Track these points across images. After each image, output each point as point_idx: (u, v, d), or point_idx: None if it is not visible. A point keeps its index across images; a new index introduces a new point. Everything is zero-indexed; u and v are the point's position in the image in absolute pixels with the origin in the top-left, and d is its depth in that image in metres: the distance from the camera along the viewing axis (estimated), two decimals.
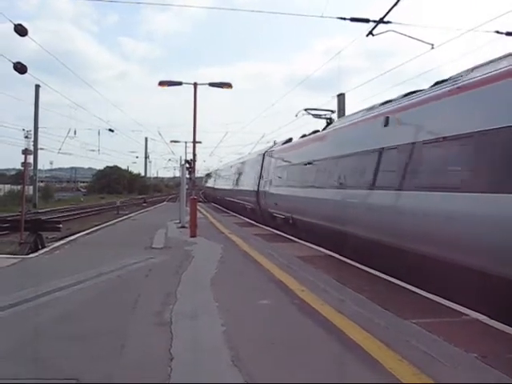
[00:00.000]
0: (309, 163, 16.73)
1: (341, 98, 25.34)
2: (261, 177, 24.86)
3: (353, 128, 13.70)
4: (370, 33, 12.47)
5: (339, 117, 22.02)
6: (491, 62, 8.31)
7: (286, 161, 20.87)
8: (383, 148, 10.60)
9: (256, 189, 25.23)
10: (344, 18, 12.41)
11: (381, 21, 12.00)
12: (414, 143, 9.32)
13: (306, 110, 20.26)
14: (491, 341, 5.40)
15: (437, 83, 9.86)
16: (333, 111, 19.71)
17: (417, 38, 12.89)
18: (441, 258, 8.03)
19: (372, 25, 12.25)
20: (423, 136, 9.06)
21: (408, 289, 8.03)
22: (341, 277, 8.74)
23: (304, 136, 19.86)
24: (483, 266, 7.00)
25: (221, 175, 47.28)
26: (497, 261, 6.78)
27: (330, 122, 18.84)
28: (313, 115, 20.01)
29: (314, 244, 14.00)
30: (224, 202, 40.16)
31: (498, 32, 11.82)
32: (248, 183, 28.12)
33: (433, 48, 12.85)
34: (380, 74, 78.36)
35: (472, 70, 8.75)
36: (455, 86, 8.55)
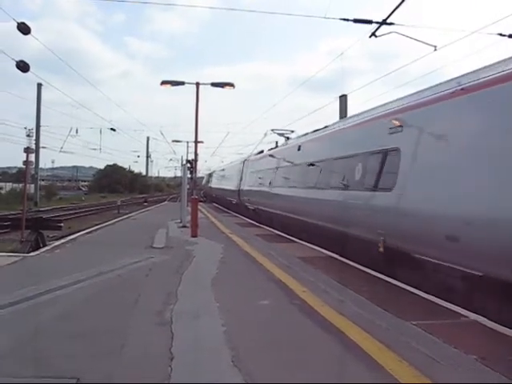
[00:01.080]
0: (263, 170, 25.08)
1: (343, 99, 25.31)
2: (241, 179, 32.34)
3: (283, 150, 22.79)
4: (373, 34, 12.46)
5: (341, 118, 22.13)
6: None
7: (253, 167, 28.96)
8: (297, 163, 18.38)
9: (238, 188, 32.68)
10: (347, 19, 12.40)
11: (384, 22, 12.00)
12: (307, 163, 16.57)
13: (272, 130, 27.81)
14: (490, 342, 5.40)
15: (314, 130, 18.17)
16: (292, 131, 26.01)
17: (420, 40, 12.88)
18: (325, 227, 13.53)
19: (375, 26, 12.25)
20: (309, 159, 16.32)
21: (407, 290, 8.04)
22: (341, 278, 8.75)
23: (271, 149, 27.23)
24: (359, 234, 11.01)
25: (216, 176, 54.64)
26: (369, 231, 10.50)
27: (287, 138, 25.44)
28: (277, 134, 27.21)
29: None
30: (218, 199, 47.98)
31: (500, 34, 11.82)
32: (233, 184, 35.36)
33: (436, 50, 12.83)
34: (383, 76, 78.35)
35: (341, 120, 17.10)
36: (325, 131, 16.34)
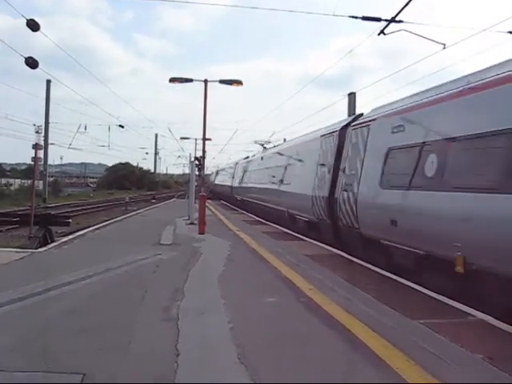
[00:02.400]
0: (245, 171, 35.82)
1: (351, 97, 25.23)
2: (233, 177, 43.00)
3: (252, 159, 36.07)
4: (382, 32, 12.38)
5: (349, 116, 22.13)
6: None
7: (239, 169, 39.82)
8: (258, 168, 30.07)
9: (231, 184, 43.37)
10: (355, 17, 12.32)
11: (392, 20, 11.92)
12: (261, 168, 28.25)
13: (255, 141, 39.14)
14: (497, 342, 5.38)
15: (274, 146, 31.80)
16: (270, 142, 35.73)
17: (428, 38, 12.79)
18: (275, 207, 21.85)
19: (384, 24, 12.17)
20: (262, 166, 28.23)
21: (414, 288, 8.01)
22: (348, 276, 8.74)
23: (253, 156, 38.47)
24: (280, 208, 20.72)
25: (219, 174, 64.84)
26: (281, 206, 20.58)
27: (264, 148, 34.86)
28: (259, 144, 37.52)
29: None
30: (220, 194, 57.41)
31: (510, 32, 11.72)
32: (228, 181, 46.85)
33: (444, 48, 12.74)
34: (392, 73, 78.14)
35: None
36: (273, 150, 28.61)
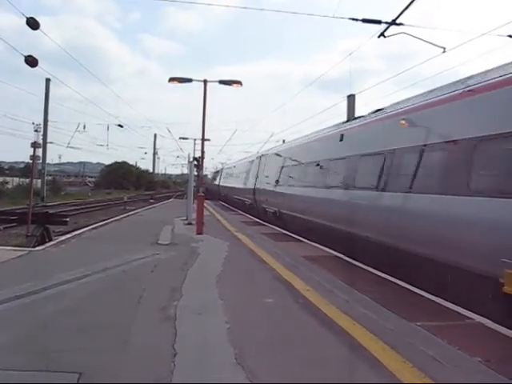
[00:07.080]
0: (229, 174, 50.47)
1: (350, 99, 25.27)
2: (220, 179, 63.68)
3: (235, 166, 51.24)
4: (382, 34, 12.40)
5: (348, 118, 22.16)
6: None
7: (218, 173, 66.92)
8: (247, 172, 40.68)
9: (218, 183, 58.92)
10: (355, 19, 12.30)
11: (393, 23, 11.92)
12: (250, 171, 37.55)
13: (221, 163, 68.66)
14: (495, 344, 5.39)
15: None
16: (225, 163, 63.62)
17: (428, 41, 12.79)
18: (247, 200, 34.43)
19: (385, 26, 12.17)
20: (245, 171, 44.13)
21: (412, 291, 8.01)
22: (346, 278, 8.73)
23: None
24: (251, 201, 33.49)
25: (216, 176, 71.63)
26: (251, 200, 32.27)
27: (222, 166, 63.71)
28: (221, 164, 65.79)
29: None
30: (216, 193, 63.47)
31: (510, 36, 11.74)
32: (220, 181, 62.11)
33: (444, 51, 12.73)
34: (393, 76, 78.53)
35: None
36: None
